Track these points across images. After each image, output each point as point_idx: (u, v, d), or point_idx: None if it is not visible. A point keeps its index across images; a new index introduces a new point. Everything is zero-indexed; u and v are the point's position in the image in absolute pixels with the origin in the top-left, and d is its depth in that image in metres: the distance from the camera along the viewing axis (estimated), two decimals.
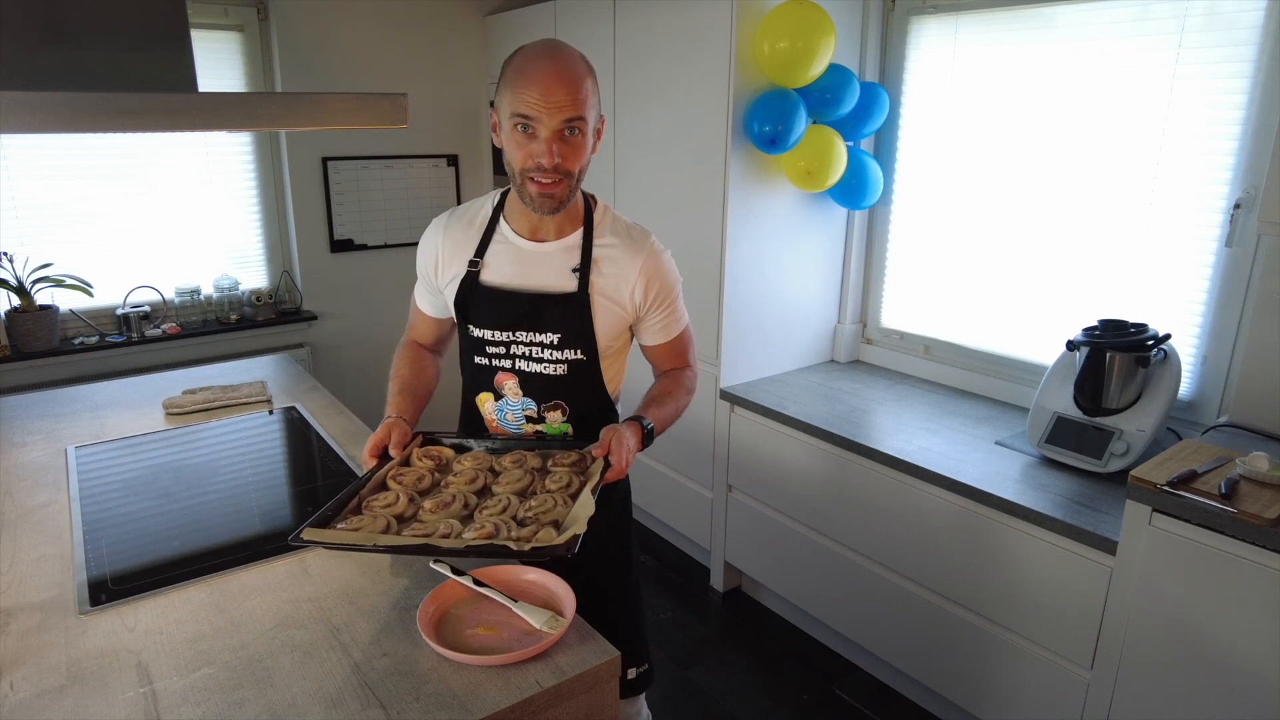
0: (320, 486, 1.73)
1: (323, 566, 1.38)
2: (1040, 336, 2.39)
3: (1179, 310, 2.08)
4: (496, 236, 1.43)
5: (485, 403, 1.48)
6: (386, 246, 3.62)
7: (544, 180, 1.28)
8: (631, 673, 1.56)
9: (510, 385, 1.44)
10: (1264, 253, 1.87)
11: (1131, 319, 2.02)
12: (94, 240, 3.03)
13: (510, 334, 1.41)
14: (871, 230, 2.83)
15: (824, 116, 2.47)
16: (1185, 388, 2.08)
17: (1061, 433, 2.03)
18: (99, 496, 1.64)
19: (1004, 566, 1.93)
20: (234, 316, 3.26)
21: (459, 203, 3.75)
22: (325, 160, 3.38)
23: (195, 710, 1.03)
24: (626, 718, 1.62)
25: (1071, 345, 2.03)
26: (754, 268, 2.61)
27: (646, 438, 1.37)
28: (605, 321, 1.41)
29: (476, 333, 1.43)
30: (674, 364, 1.55)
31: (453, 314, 1.50)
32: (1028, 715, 1.95)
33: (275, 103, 1.32)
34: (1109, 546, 1.70)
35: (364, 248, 3.57)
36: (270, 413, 2.12)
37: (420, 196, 3.67)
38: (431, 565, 1.30)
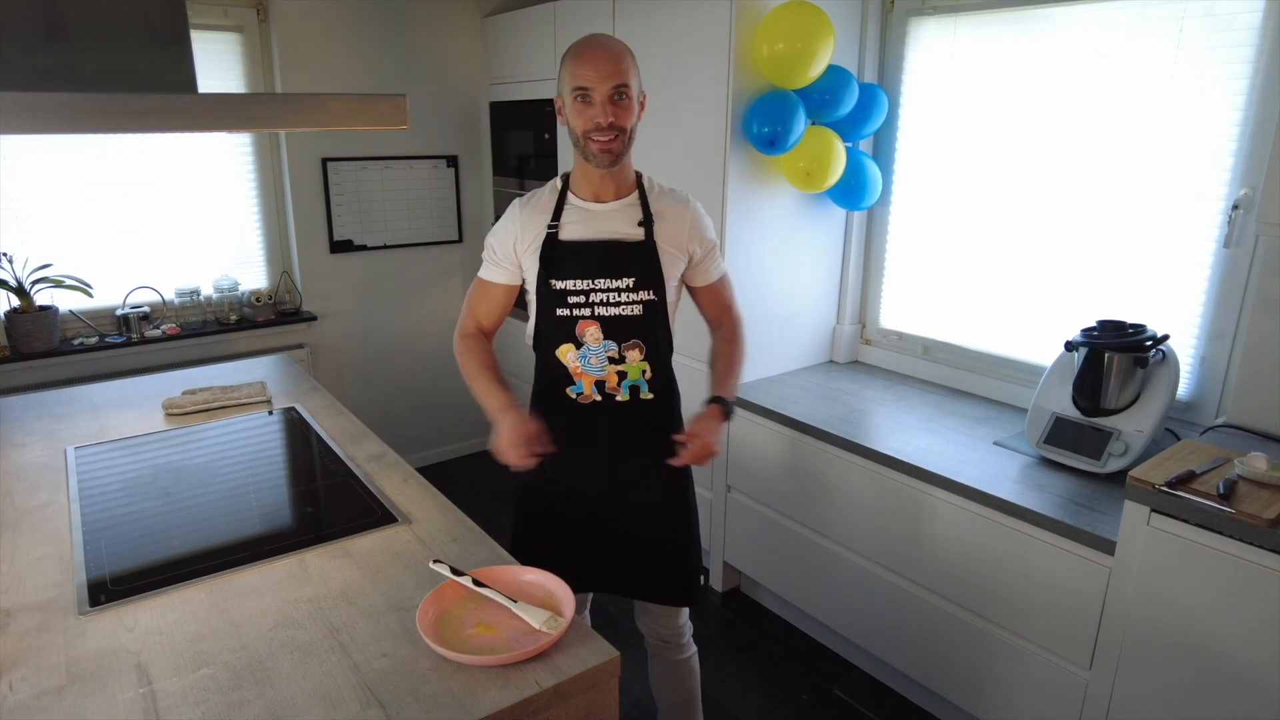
0: (320, 487, 1.73)
1: (323, 567, 1.38)
2: (1039, 337, 2.39)
3: (1177, 311, 2.09)
4: (567, 205, 1.64)
5: (567, 354, 1.62)
6: (386, 247, 3.62)
7: (602, 138, 1.51)
8: (703, 578, 1.83)
9: (592, 331, 1.60)
10: (1262, 253, 1.88)
11: (1130, 320, 2.02)
12: (94, 241, 3.02)
13: (590, 282, 1.58)
14: (870, 231, 2.84)
15: (823, 118, 2.47)
16: (1183, 388, 2.08)
17: (1060, 433, 2.04)
18: (98, 497, 1.64)
19: (1002, 566, 1.93)
20: (234, 317, 3.26)
21: (459, 204, 3.78)
22: (325, 161, 3.38)
23: (195, 711, 1.04)
24: (679, 625, 1.82)
25: (1070, 346, 2.03)
26: (753, 268, 2.61)
27: (729, 413, 1.65)
28: (669, 266, 1.63)
29: (559, 285, 1.59)
30: (721, 308, 1.78)
31: (523, 281, 1.68)
32: (1026, 715, 1.95)
33: (275, 103, 1.32)
34: (1107, 547, 1.71)
35: (364, 248, 3.57)
36: (270, 413, 2.12)
37: (420, 197, 3.67)
38: (431, 566, 1.30)
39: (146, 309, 3.11)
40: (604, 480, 1.68)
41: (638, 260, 1.60)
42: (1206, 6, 1.93)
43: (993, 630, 1.99)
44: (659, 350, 1.65)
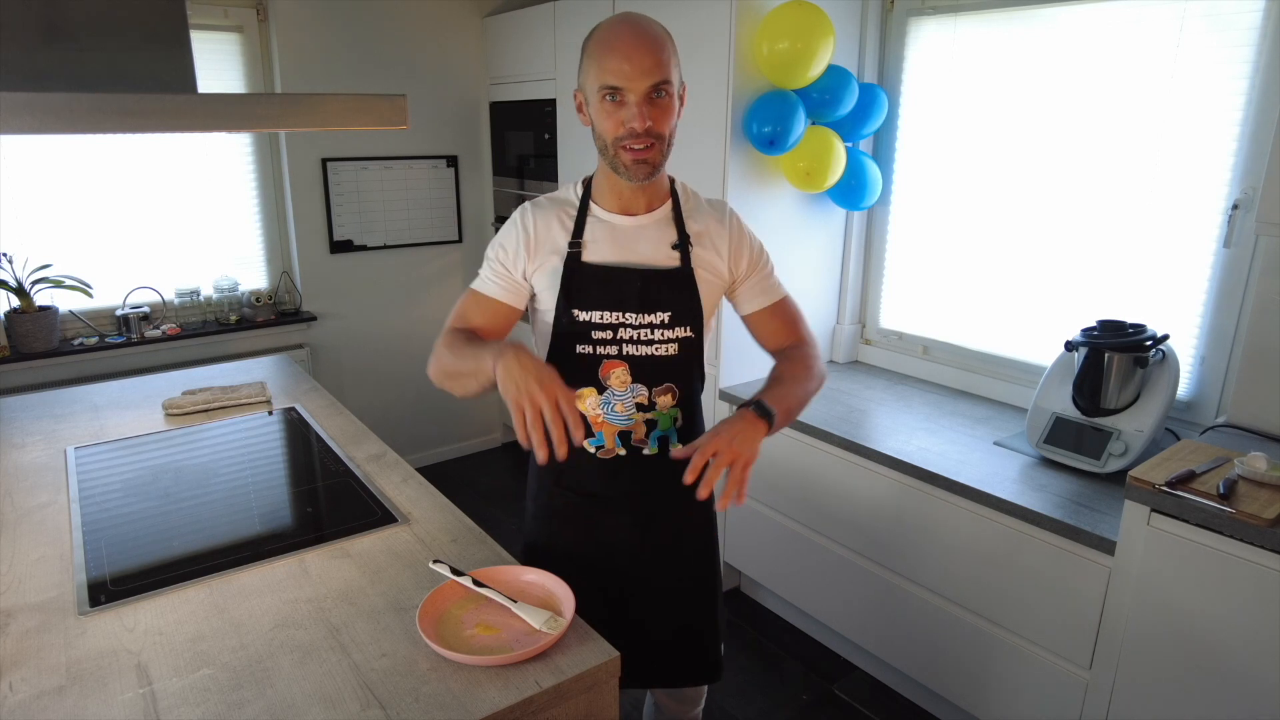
0: (320, 487, 1.73)
1: (323, 567, 1.38)
2: (1039, 337, 2.39)
3: (1177, 311, 2.09)
4: (590, 218, 1.39)
5: (586, 399, 1.38)
6: (386, 247, 3.62)
7: (637, 147, 1.27)
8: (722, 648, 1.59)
9: (618, 374, 1.37)
10: (1262, 253, 1.88)
11: (1130, 319, 2.02)
12: (94, 241, 3.02)
13: (619, 315, 1.35)
14: (870, 231, 2.84)
15: (823, 117, 2.47)
16: (1184, 388, 2.08)
17: (1060, 433, 2.04)
18: (98, 497, 1.64)
19: (1003, 567, 1.93)
20: (234, 317, 3.26)
21: (459, 204, 3.78)
22: (325, 161, 3.38)
23: (194, 711, 1.04)
24: (701, 700, 1.66)
25: (1070, 346, 2.03)
26: None
27: (768, 420, 1.27)
28: (708, 295, 1.41)
29: (583, 317, 1.35)
30: (786, 337, 1.50)
31: (527, 304, 1.43)
32: (1026, 715, 1.95)
33: (275, 103, 1.32)
34: (1107, 547, 1.71)
35: (363, 248, 3.57)
36: (270, 413, 2.12)
37: (420, 197, 3.67)
38: (431, 566, 1.30)
39: (146, 309, 3.11)
40: (628, 554, 1.45)
41: (674, 291, 1.37)
42: (1207, 6, 1.93)
43: (993, 630, 1.99)
44: (693, 393, 1.43)
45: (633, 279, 1.35)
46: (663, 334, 1.37)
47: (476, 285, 1.43)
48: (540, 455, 1.15)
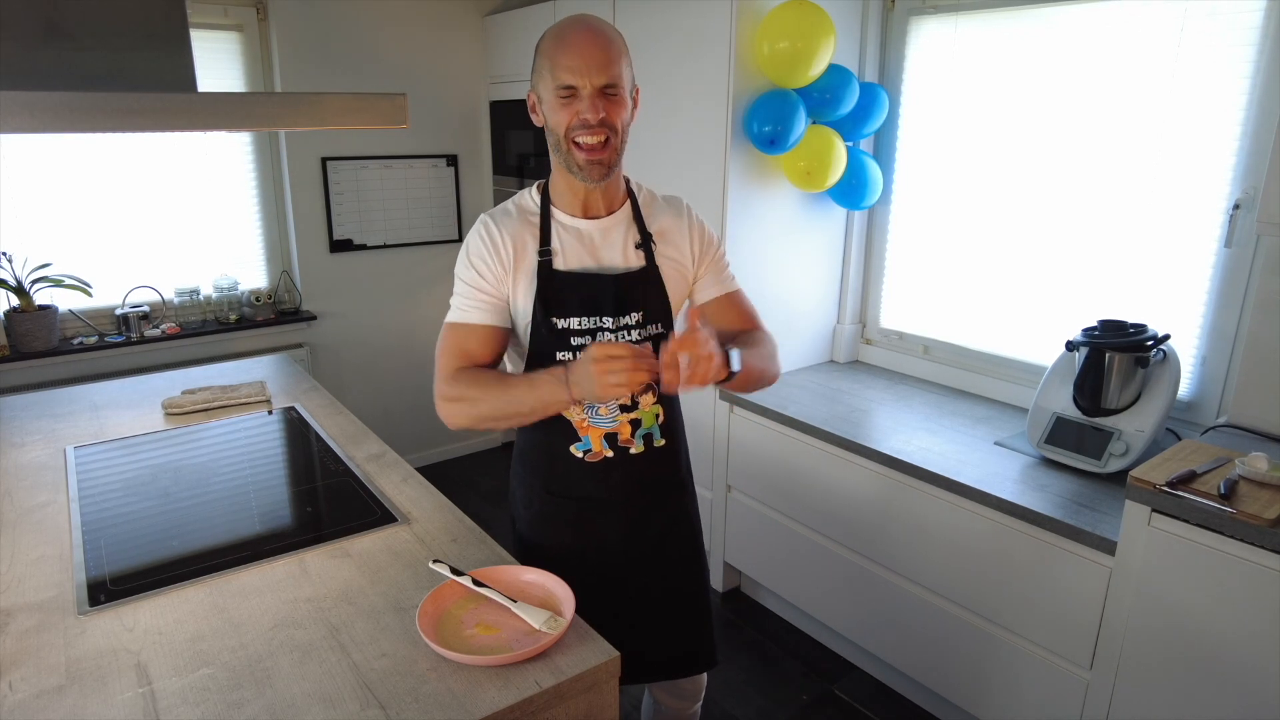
0: (319, 486, 1.73)
1: (322, 567, 1.38)
2: (1039, 337, 2.39)
3: (1178, 310, 2.08)
4: (554, 224, 1.40)
5: (570, 406, 1.37)
6: (386, 246, 3.62)
7: (591, 142, 1.29)
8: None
9: None
10: (1263, 253, 1.87)
11: (1131, 319, 2.02)
12: (93, 240, 3.02)
13: (597, 320, 1.37)
14: (871, 230, 2.83)
15: (823, 117, 2.47)
16: (1185, 388, 2.08)
17: (1061, 433, 2.03)
18: (98, 497, 1.64)
19: (1003, 567, 1.93)
20: (233, 316, 3.26)
21: (459, 203, 3.77)
22: (324, 160, 3.38)
23: (194, 711, 1.03)
24: (702, 690, 1.69)
25: (1071, 345, 2.03)
26: (753, 268, 2.61)
27: (730, 365, 1.24)
28: (675, 290, 1.44)
29: (562, 324, 1.36)
30: (743, 326, 1.49)
31: (514, 321, 1.41)
32: (1027, 715, 1.95)
33: (275, 103, 1.32)
34: (1108, 547, 1.70)
35: (363, 248, 3.56)
36: (269, 413, 2.12)
37: (420, 197, 3.67)
38: (431, 565, 1.30)
39: (146, 308, 3.10)
40: (621, 552, 1.48)
41: (643, 291, 1.39)
42: (1208, 7, 1.93)
43: (993, 630, 1.99)
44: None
45: (606, 283, 1.38)
46: (637, 334, 1.39)
47: (459, 318, 1.38)
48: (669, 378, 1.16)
